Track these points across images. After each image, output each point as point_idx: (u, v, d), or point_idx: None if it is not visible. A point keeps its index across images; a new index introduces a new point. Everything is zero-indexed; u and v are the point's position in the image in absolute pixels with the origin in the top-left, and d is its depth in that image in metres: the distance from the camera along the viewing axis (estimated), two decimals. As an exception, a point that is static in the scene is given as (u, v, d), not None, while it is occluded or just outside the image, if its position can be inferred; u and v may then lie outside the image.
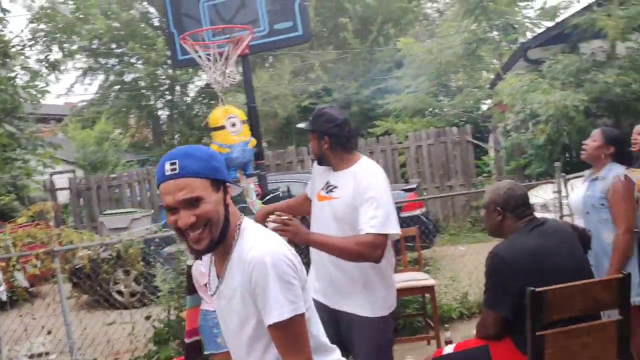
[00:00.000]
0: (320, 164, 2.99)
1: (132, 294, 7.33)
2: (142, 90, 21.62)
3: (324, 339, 1.80)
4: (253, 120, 4.81)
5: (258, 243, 1.63)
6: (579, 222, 3.67)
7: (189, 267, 3.24)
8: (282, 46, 6.01)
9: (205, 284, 3.33)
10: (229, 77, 4.47)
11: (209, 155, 1.66)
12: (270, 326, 1.59)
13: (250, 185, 4.55)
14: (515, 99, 8.44)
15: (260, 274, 1.56)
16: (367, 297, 2.76)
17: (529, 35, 12.58)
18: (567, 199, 4.78)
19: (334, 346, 1.86)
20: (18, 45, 5.10)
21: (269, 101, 17.18)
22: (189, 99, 23.07)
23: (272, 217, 2.64)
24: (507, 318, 2.57)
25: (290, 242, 2.30)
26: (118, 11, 17.97)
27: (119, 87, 21.71)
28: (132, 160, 19.79)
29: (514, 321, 2.55)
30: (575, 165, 7.81)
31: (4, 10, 4.97)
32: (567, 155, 8.84)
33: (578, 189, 3.81)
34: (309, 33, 4.72)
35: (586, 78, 8.23)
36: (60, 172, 13.07)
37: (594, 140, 3.59)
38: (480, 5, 11.29)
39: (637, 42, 8.04)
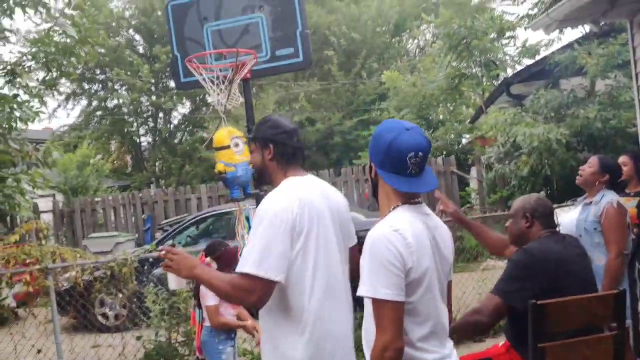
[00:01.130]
0: (258, 181, 2.80)
1: (117, 317, 7.25)
2: (125, 117, 21.62)
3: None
4: (252, 142, 4.90)
5: None
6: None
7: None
8: (283, 71, 6.16)
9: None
10: (232, 99, 4.59)
11: (372, 138, 2.02)
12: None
13: (246, 206, 4.66)
14: (499, 131, 8.70)
15: None
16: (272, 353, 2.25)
17: (510, 71, 13.02)
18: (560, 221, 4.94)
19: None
20: (19, 64, 5.15)
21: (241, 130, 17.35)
22: (172, 126, 23.11)
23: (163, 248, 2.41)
24: (511, 311, 2.67)
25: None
26: (105, 37, 18.08)
27: (101, 112, 21.69)
28: (113, 186, 19.67)
29: (516, 317, 2.64)
30: (556, 197, 8.06)
31: (9, 31, 5.04)
32: (548, 188, 9.09)
33: (571, 212, 3.96)
34: (310, 59, 4.86)
35: (567, 113, 8.54)
36: (42, 196, 12.93)
37: (590, 167, 3.75)
38: (464, 42, 11.66)
39: (616, 80, 8.40)
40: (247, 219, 4.54)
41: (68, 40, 5.55)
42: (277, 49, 4.79)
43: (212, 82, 4.55)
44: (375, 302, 1.85)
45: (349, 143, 18.30)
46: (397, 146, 1.90)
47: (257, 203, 4.85)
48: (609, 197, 3.59)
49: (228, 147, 4.51)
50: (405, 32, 21.56)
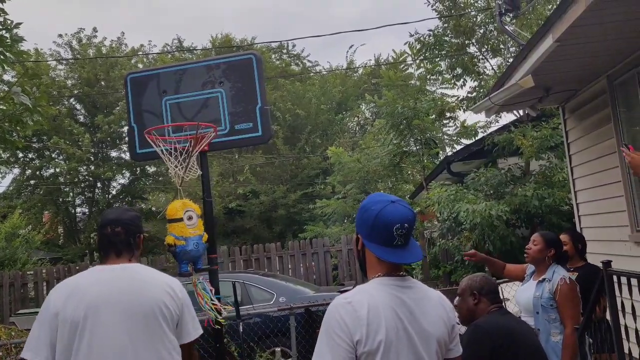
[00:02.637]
0: None
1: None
2: (61, 186, 20.94)
3: None
4: (208, 215, 4.85)
5: None
6: (528, 322, 3.91)
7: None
8: (242, 145, 6.22)
9: None
10: (189, 171, 4.58)
11: (359, 210, 2.05)
12: None
13: (200, 279, 4.56)
14: (443, 207, 8.99)
15: None
16: None
17: (449, 150, 13.65)
18: (514, 299, 5.06)
19: None
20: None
21: (195, 201, 17.16)
22: (110, 197, 22.53)
23: None
24: None
25: None
26: (52, 110, 17.80)
27: (35, 181, 20.94)
28: (43, 258, 18.70)
29: None
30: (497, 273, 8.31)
31: None
32: (489, 262, 9.35)
33: (525, 290, 4.08)
34: (269, 134, 4.94)
35: (506, 191, 8.97)
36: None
37: (535, 244, 3.91)
38: (404, 121, 12.18)
39: (549, 161, 8.94)
40: (204, 290, 4.44)
41: (14, 108, 5.43)
42: (236, 123, 4.85)
43: (170, 154, 4.54)
44: None
45: (292, 216, 18.37)
46: (383, 218, 1.96)
47: (210, 278, 4.76)
48: (560, 273, 3.73)
49: (180, 219, 4.46)
50: (347, 111, 22.35)
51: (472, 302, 3.01)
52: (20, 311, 9.99)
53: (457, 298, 3.09)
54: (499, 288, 6.31)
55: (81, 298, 2.28)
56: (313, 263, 11.49)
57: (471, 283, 3.06)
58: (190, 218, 4.51)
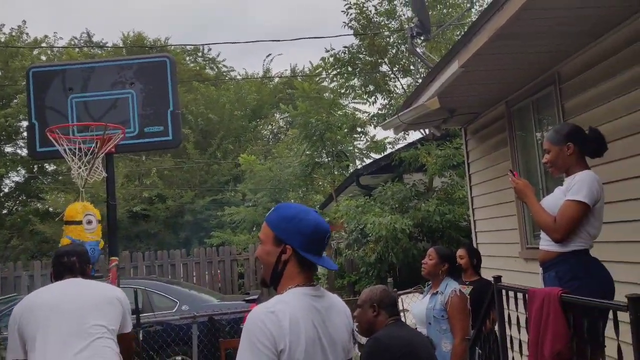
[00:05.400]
0: None
1: None
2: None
3: None
4: (112, 218, 4.70)
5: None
6: (422, 332, 4.10)
7: None
8: (151, 149, 6.04)
9: None
10: (94, 173, 4.41)
11: (287, 220, 1.99)
12: None
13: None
14: (350, 218, 9.20)
15: None
16: None
17: (359, 163, 14.00)
18: (410, 309, 5.27)
19: None
20: None
21: (97, 204, 16.44)
22: (1, 195, 21.06)
23: None
24: None
25: None
26: None
27: None
28: None
29: None
30: (399, 283, 8.62)
31: None
32: (391, 274, 9.68)
33: (421, 302, 4.28)
34: (179, 139, 4.87)
35: (410, 205, 9.33)
36: None
37: (430, 259, 4.12)
38: (317, 133, 12.38)
39: (450, 178, 9.41)
40: None
41: None
42: (146, 126, 4.75)
43: (74, 154, 4.36)
44: None
45: (200, 222, 18.04)
46: (320, 227, 1.98)
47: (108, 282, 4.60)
48: (452, 286, 3.95)
49: (80, 222, 4.30)
50: (261, 119, 22.32)
51: (371, 314, 3.11)
52: None
53: (357, 309, 3.19)
54: (399, 299, 6.60)
55: (30, 305, 3.00)
56: (219, 271, 11.33)
57: (371, 295, 3.17)
58: (89, 222, 4.36)
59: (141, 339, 5.20)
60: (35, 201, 20.78)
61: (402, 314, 6.38)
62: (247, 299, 8.07)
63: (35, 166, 20.65)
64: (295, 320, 1.91)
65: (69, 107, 4.68)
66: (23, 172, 21.33)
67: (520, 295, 3.16)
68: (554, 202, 2.92)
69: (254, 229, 14.52)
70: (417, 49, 9.23)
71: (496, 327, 4.03)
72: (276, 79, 24.35)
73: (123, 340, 3.10)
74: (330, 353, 2.01)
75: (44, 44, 20.82)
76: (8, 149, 20.27)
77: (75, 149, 4.38)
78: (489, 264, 5.70)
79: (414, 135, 16.47)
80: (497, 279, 3.51)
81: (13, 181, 21.46)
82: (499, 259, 5.94)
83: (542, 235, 2.97)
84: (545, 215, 2.87)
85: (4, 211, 20.85)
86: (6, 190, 21.39)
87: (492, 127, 6.11)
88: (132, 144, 4.75)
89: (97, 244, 4.39)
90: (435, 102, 5.28)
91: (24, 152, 19.92)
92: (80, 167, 4.31)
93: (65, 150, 4.37)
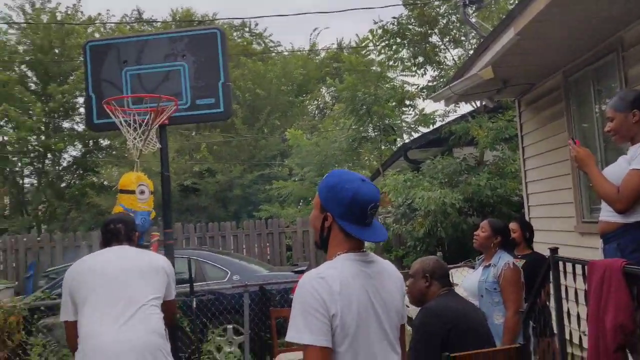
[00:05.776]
0: None
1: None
2: (9, 155, 20.17)
3: None
4: (166, 189, 4.80)
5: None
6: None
7: None
8: (202, 121, 6.15)
9: None
10: (148, 144, 4.51)
11: (328, 188, 2.03)
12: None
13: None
14: (399, 193, 9.14)
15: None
16: None
17: (406, 137, 13.83)
18: (461, 283, 5.22)
19: None
20: None
21: (150, 177, 16.90)
22: (60, 169, 21.86)
23: None
24: None
25: None
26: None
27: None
28: (-12, 229, 18.08)
29: None
30: (448, 258, 8.54)
31: None
32: (440, 249, 9.59)
33: (472, 275, 4.23)
34: (230, 111, 4.91)
35: (460, 180, 9.17)
36: None
37: (483, 231, 4.05)
38: (364, 107, 12.27)
39: (502, 152, 9.19)
40: None
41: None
42: (197, 98, 4.80)
43: (129, 125, 4.47)
44: (303, 347, 1.88)
45: (248, 196, 18.28)
46: (360, 198, 1.97)
47: (166, 252, 4.73)
48: (505, 259, 3.88)
49: (132, 192, 4.42)
50: (307, 93, 22.29)
51: (423, 284, 3.09)
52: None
53: (409, 279, 3.17)
54: (449, 273, 6.51)
55: (82, 266, 3.14)
56: (268, 244, 11.51)
57: (424, 266, 3.15)
58: (142, 192, 4.47)
59: (194, 306, 5.35)
60: (91, 175, 21.48)
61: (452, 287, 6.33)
62: (295, 270, 8.18)
63: (91, 141, 21.29)
64: (345, 286, 1.92)
65: (124, 80, 4.78)
66: (80, 147, 22.04)
67: (579, 268, 3.07)
68: (617, 171, 2.81)
69: (301, 203, 14.63)
70: (470, 19, 8.98)
71: (550, 302, 3.95)
72: (322, 54, 24.21)
73: (167, 307, 3.20)
74: (384, 318, 2.02)
75: (97, 22, 21.29)
76: (65, 124, 20.95)
77: (130, 120, 4.49)
78: (542, 238, 5.56)
79: (465, 108, 16.18)
80: (554, 250, 3.42)
81: (71, 156, 22.21)
82: (552, 233, 5.80)
83: (603, 205, 2.87)
84: (607, 185, 2.77)
85: (63, 184, 21.65)
86: (64, 164, 22.18)
87: (548, 98, 5.91)
88: (184, 116, 4.82)
89: (148, 214, 4.50)
90: (488, 72, 5.14)
91: (80, 127, 20.53)
92: (135, 138, 4.42)
93: (120, 121, 4.47)
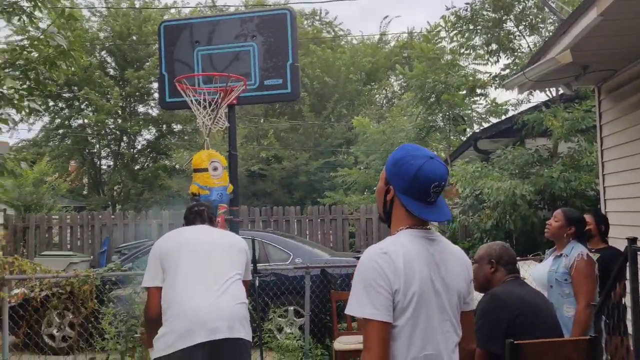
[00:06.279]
0: None
1: (65, 339, 6.93)
2: (88, 137, 21.20)
3: None
4: (233, 168, 4.90)
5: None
6: (542, 294, 3.90)
7: None
8: (270, 101, 6.22)
9: None
10: (217, 123, 4.60)
11: (394, 161, 2.02)
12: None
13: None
14: (466, 183, 8.91)
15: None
16: None
17: (476, 127, 13.46)
18: (529, 274, 5.05)
19: None
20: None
21: (219, 158, 17.34)
22: (135, 151, 22.76)
23: None
24: (496, 355, 2.69)
25: None
26: (81, 54, 17.92)
27: (63, 131, 21.21)
28: (68, 206, 19.09)
29: None
30: (516, 252, 8.24)
31: None
32: (508, 242, 9.29)
33: (542, 265, 4.07)
34: (298, 92, 4.94)
35: (532, 171, 8.83)
36: (-8, 209, 12.47)
37: (556, 220, 3.88)
38: (434, 95, 12.02)
39: (578, 143, 8.77)
40: None
41: (49, 51, 5.47)
42: (266, 78, 4.85)
43: (199, 104, 4.57)
44: (363, 321, 1.87)
45: (313, 184, 18.41)
46: (424, 175, 1.93)
47: (231, 229, 4.82)
48: (578, 250, 3.70)
49: (206, 169, 4.52)
50: (375, 82, 22.10)
51: (488, 270, 3.00)
52: (45, 253, 10.26)
53: (473, 265, 3.09)
54: (516, 260, 6.28)
55: (168, 241, 3.29)
56: (330, 230, 11.55)
57: (490, 251, 3.05)
58: (215, 169, 4.56)
59: (257, 285, 5.44)
60: (163, 158, 22.27)
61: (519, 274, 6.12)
62: (357, 256, 8.16)
63: (164, 125, 22.03)
64: (408, 261, 1.89)
65: (195, 60, 4.89)
66: (154, 130, 22.86)
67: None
68: None
69: (366, 191, 14.57)
70: (549, 2, 8.59)
71: (624, 301, 3.74)
72: (392, 43, 23.92)
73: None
74: (445, 297, 1.97)
75: (173, 9, 21.91)
76: (141, 108, 21.77)
77: (200, 99, 4.59)
78: (619, 233, 5.27)
79: (539, 98, 15.55)
80: (632, 240, 3.23)
81: (145, 139, 23.07)
82: (630, 228, 5.48)
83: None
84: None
85: (137, 166, 22.56)
86: (139, 147, 23.08)
87: (632, 85, 5.56)
88: (252, 96, 4.90)
89: (224, 189, 4.60)
90: (567, 56, 4.89)
91: (154, 112, 21.28)
92: (204, 117, 4.51)
93: (191, 100, 4.58)
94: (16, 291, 5.82)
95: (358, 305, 1.87)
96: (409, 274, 1.89)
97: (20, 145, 21.12)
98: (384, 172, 2.06)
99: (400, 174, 1.98)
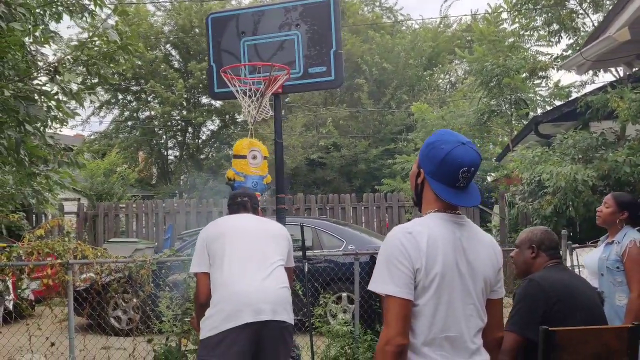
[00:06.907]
0: None
1: (130, 322, 7.29)
2: (155, 129, 22.02)
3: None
4: (279, 156, 4.98)
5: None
6: (593, 284, 3.76)
7: None
8: (314, 89, 6.27)
9: None
10: (262, 112, 4.69)
11: (426, 145, 2.07)
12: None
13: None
14: (525, 168, 8.64)
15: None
16: None
17: (540, 111, 12.97)
18: (583, 261, 4.88)
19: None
20: (62, 63, 5.27)
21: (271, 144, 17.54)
22: (200, 142, 23.45)
23: None
24: (532, 341, 2.64)
25: None
26: (143, 49, 18.56)
27: (132, 123, 22.13)
28: (137, 195, 19.92)
29: (534, 350, 2.62)
30: (579, 239, 7.92)
31: (55, 33, 5.21)
32: (570, 228, 8.95)
33: (593, 252, 3.92)
34: (342, 79, 4.95)
35: (595, 155, 8.44)
36: (66, 199, 13.20)
37: (607, 207, 3.72)
38: (495, 79, 11.68)
39: (647, 126, 8.29)
40: None
41: (109, 46, 5.70)
42: (310, 66, 4.89)
43: (245, 93, 4.67)
44: (384, 297, 1.92)
45: (372, 171, 18.34)
46: (452, 159, 1.96)
47: (278, 216, 4.91)
48: (631, 236, 3.54)
49: (244, 157, 4.62)
50: (437, 67, 21.69)
51: (529, 255, 2.94)
52: (112, 239, 10.80)
53: (514, 250, 3.03)
54: (574, 253, 6.08)
55: (218, 226, 3.43)
56: (387, 218, 11.52)
57: (531, 236, 2.98)
58: (254, 157, 4.66)
59: (306, 270, 5.51)
60: (227, 148, 22.81)
61: (577, 269, 5.91)
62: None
63: (227, 116, 22.54)
64: (433, 242, 1.93)
65: (241, 50, 4.99)
66: (217, 121, 23.45)
67: None
68: None
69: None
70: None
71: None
72: (454, 26, 23.37)
73: (286, 273, 3.44)
74: (470, 281, 1.99)
75: (233, 1, 22.31)
76: (204, 100, 22.36)
77: (246, 89, 4.69)
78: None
79: (605, 79, 14.81)
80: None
81: (209, 129, 23.71)
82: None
83: None
84: None
85: (202, 156, 23.23)
86: (203, 137, 23.74)
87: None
88: (297, 85, 4.95)
89: (260, 179, 4.69)
90: (624, 34, 4.68)
91: (217, 103, 21.84)
92: (250, 106, 4.61)
93: (237, 90, 4.69)
94: (84, 276, 6.19)
95: (380, 281, 1.92)
96: (432, 255, 1.92)
97: (92, 137, 22.22)
98: (418, 155, 2.11)
99: (430, 157, 2.02)
